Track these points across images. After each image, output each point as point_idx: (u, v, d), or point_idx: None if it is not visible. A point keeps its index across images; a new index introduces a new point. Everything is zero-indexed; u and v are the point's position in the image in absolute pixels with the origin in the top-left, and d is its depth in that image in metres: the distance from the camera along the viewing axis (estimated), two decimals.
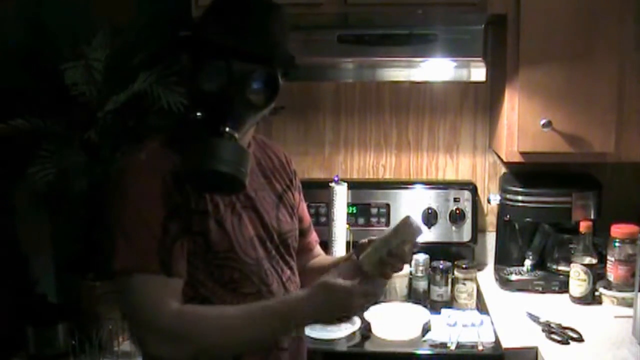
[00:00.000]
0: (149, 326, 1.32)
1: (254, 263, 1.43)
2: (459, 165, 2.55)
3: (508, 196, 2.30)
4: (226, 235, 1.39)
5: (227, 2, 1.39)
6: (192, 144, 1.30)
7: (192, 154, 1.30)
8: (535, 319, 2.04)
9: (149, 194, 1.33)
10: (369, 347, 1.94)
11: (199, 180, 1.32)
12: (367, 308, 1.41)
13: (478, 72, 2.19)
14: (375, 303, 2.08)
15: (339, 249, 2.26)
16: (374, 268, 1.39)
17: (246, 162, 1.32)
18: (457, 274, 2.13)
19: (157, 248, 1.32)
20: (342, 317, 1.42)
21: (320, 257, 1.75)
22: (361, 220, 2.44)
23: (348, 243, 2.30)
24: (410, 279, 2.23)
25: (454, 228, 2.42)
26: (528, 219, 2.31)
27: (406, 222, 1.42)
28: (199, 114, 1.34)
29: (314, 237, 1.73)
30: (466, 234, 2.43)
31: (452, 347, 1.88)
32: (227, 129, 1.31)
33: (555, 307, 2.13)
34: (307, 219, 1.71)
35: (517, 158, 2.15)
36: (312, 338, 1.90)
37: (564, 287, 2.22)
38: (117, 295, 1.37)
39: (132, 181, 1.35)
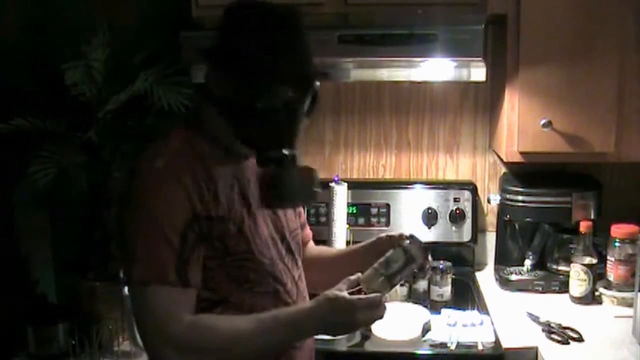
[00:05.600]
0: (162, 337, 1.31)
1: (269, 263, 1.45)
2: (459, 165, 2.55)
3: (508, 196, 2.30)
4: (244, 238, 1.40)
5: (269, 24, 1.37)
6: (277, 177, 1.37)
7: (276, 185, 1.37)
8: (535, 319, 2.04)
9: (170, 205, 1.31)
10: (369, 347, 1.93)
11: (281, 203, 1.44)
12: (372, 322, 1.43)
13: (478, 72, 2.18)
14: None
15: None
16: (373, 289, 1.39)
17: (317, 180, 1.42)
18: None
19: (176, 260, 1.31)
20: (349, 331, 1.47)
21: (321, 247, 1.77)
22: (361, 220, 2.44)
23: (348, 243, 2.30)
24: None
25: (454, 228, 2.42)
26: (528, 219, 2.30)
27: (413, 243, 1.44)
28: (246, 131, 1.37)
29: (308, 231, 1.74)
30: (466, 234, 2.43)
31: (452, 347, 1.88)
32: (294, 153, 1.36)
33: (555, 307, 2.13)
34: (303, 214, 1.73)
35: (517, 158, 2.15)
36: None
37: (564, 287, 2.22)
38: (133, 303, 1.36)
39: (152, 191, 1.32)
